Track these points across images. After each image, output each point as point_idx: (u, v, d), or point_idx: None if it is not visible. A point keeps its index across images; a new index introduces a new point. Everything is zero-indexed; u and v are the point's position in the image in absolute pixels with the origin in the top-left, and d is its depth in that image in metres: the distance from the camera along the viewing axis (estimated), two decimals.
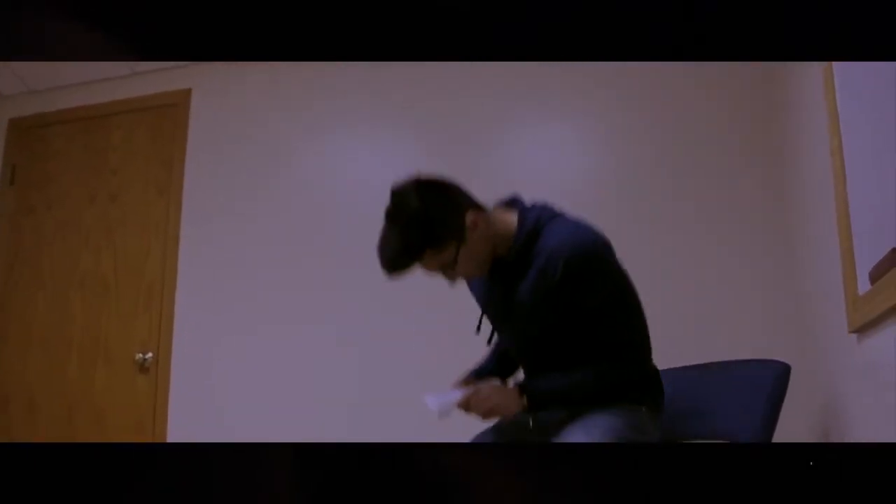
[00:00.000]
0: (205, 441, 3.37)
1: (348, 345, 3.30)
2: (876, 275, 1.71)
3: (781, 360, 2.18)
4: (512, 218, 1.95)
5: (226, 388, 3.41)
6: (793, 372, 2.16)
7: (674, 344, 2.77)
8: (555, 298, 1.88)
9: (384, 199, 3.30)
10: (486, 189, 3.19)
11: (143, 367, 3.55)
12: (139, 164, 3.78)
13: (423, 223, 1.83)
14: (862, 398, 1.90)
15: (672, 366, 2.49)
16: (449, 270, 1.91)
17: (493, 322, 2.12)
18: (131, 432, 3.52)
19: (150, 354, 3.54)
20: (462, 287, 2.19)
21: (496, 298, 2.03)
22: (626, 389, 1.95)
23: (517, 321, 2.00)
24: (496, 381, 2.06)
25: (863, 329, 1.87)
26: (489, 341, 2.20)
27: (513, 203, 2.01)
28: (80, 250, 3.75)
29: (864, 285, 1.83)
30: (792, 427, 2.64)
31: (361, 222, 3.36)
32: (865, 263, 1.81)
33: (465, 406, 1.91)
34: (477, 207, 1.92)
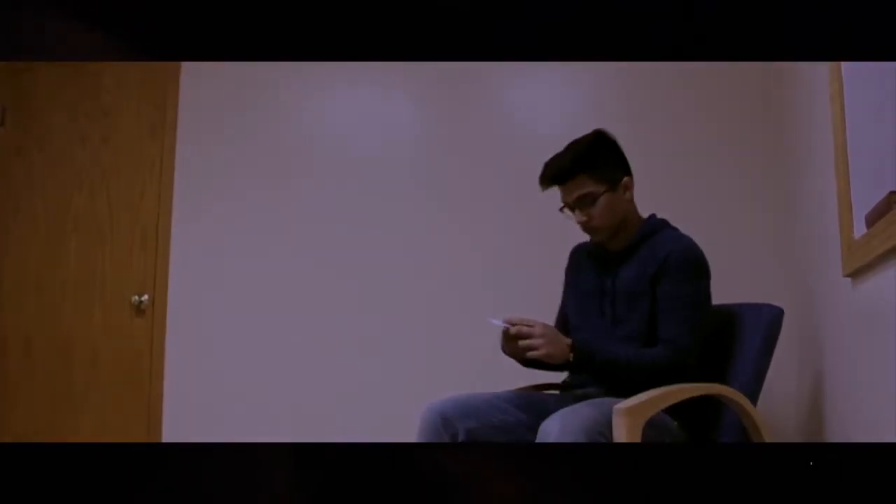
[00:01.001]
0: (201, 391, 3.40)
1: (349, 282, 3.31)
2: (872, 219, 1.71)
3: (775, 304, 2.20)
4: (640, 216, 2.25)
5: (223, 329, 3.43)
6: (786, 316, 2.18)
7: None
8: (652, 284, 2.08)
9: (376, 136, 3.30)
10: (479, 134, 3.20)
11: (139, 309, 3.56)
12: (131, 105, 3.73)
13: (593, 151, 2.14)
14: (855, 342, 1.92)
15: None
16: (586, 206, 2.12)
17: (583, 308, 2.24)
18: (128, 375, 3.55)
19: (146, 296, 3.55)
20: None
21: (596, 283, 2.22)
22: (675, 379, 1.97)
23: (606, 306, 2.16)
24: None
25: (857, 273, 1.88)
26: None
27: (648, 216, 2.28)
28: (73, 192, 3.73)
29: (860, 229, 1.83)
30: (785, 371, 2.68)
31: (358, 162, 3.35)
32: (862, 207, 1.81)
33: (517, 333, 1.98)
34: (632, 178, 2.21)
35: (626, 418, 1.76)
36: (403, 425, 2.87)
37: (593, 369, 2.01)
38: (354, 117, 3.39)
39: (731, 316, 2.26)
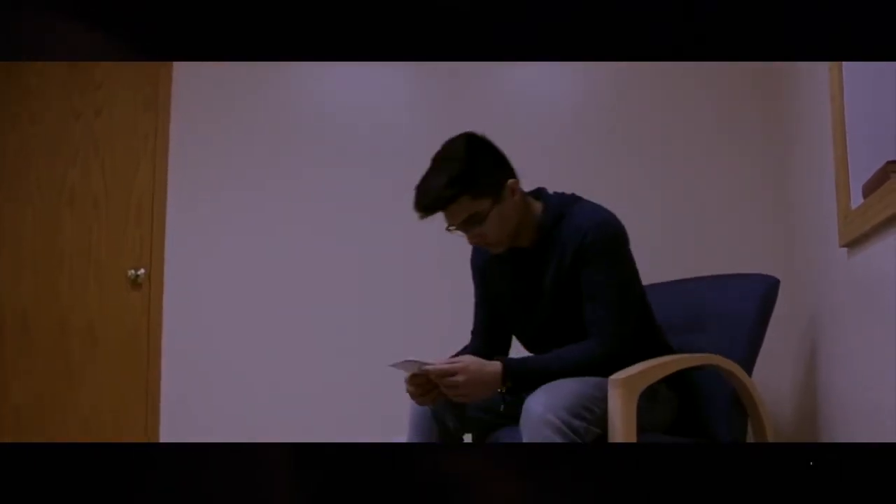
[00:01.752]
0: (198, 363, 3.41)
1: (346, 257, 3.31)
2: (869, 189, 1.71)
3: (771, 274, 2.20)
4: (537, 205, 2.03)
5: (220, 303, 3.43)
6: (782, 286, 2.19)
7: (665, 258, 2.80)
8: (574, 272, 1.95)
9: (375, 110, 3.28)
10: (476, 111, 3.18)
11: (135, 283, 3.56)
12: (125, 78, 3.70)
13: (468, 168, 1.89)
14: (851, 312, 1.93)
15: (663, 280, 2.51)
16: (474, 226, 1.94)
17: (512, 314, 2.13)
18: (125, 349, 3.56)
19: (142, 270, 3.55)
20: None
21: (520, 289, 2.07)
22: (614, 368, 1.86)
23: (541, 307, 2.03)
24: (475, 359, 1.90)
25: (853, 243, 1.88)
26: (475, 331, 2.24)
27: (537, 193, 2.08)
28: (67, 166, 3.71)
29: (856, 200, 1.83)
30: (780, 341, 2.69)
31: (357, 135, 3.34)
32: (859, 178, 1.81)
33: (435, 379, 1.84)
34: (517, 179, 1.99)
35: (621, 389, 1.77)
36: (407, 332, 2.89)
37: (532, 386, 1.84)
38: (354, 94, 3.37)
39: (726, 286, 2.26)
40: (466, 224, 1.94)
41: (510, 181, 1.96)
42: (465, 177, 1.88)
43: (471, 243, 2.02)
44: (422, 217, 1.93)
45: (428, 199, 1.89)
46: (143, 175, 3.62)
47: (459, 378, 1.80)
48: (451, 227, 1.98)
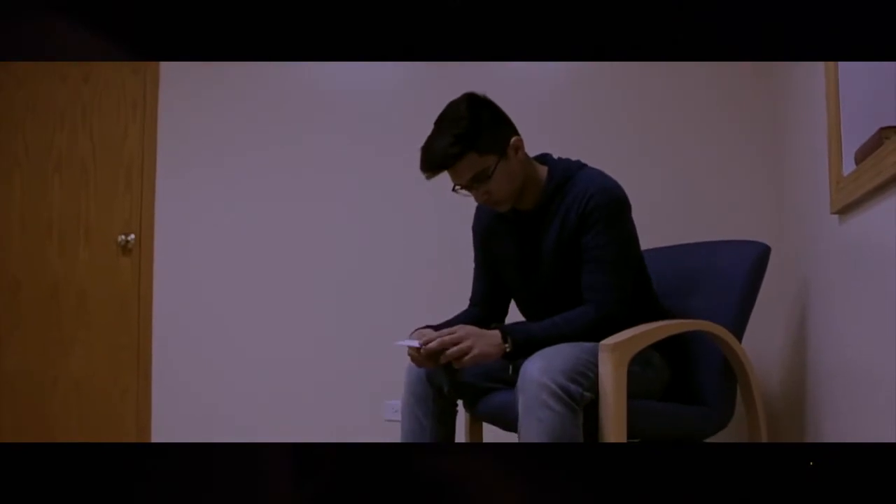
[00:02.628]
0: (189, 328, 3.41)
1: (337, 221, 3.30)
2: (861, 155, 1.70)
3: (761, 241, 2.20)
4: (542, 169, 2.06)
5: (210, 268, 3.43)
6: (773, 252, 2.19)
7: (657, 224, 2.80)
8: (576, 237, 1.97)
9: (368, 79, 3.25)
10: (469, 74, 3.16)
11: (125, 248, 3.54)
12: None
13: (472, 125, 1.91)
14: (841, 279, 1.94)
15: (655, 245, 2.52)
16: (479, 184, 1.96)
17: (513, 277, 2.15)
18: (116, 314, 3.55)
19: (132, 236, 3.53)
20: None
21: (522, 251, 2.09)
22: (611, 334, 1.87)
23: (541, 270, 2.05)
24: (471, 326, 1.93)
25: (845, 210, 1.88)
26: (474, 299, 2.25)
27: (542, 158, 2.11)
28: (55, 131, 3.68)
29: (849, 166, 1.83)
30: (770, 307, 2.71)
31: (349, 103, 3.31)
32: (852, 145, 1.80)
33: (441, 348, 1.85)
34: (520, 137, 2.02)
35: (612, 354, 1.78)
36: (398, 304, 2.89)
37: (531, 352, 1.85)
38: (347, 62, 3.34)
39: (717, 252, 2.27)
40: (473, 182, 1.96)
41: (514, 138, 1.99)
42: (469, 134, 1.91)
43: (478, 201, 2.03)
44: (429, 177, 1.97)
45: (435, 158, 1.92)
46: (132, 140, 3.59)
47: (468, 343, 1.83)
48: (457, 188, 2.01)
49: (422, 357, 1.90)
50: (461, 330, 1.87)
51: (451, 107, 1.98)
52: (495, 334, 1.87)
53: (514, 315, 2.23)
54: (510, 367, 2.00)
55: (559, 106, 3.06)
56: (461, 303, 2.27)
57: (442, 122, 1.97)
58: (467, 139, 1.90)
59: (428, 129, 1.98)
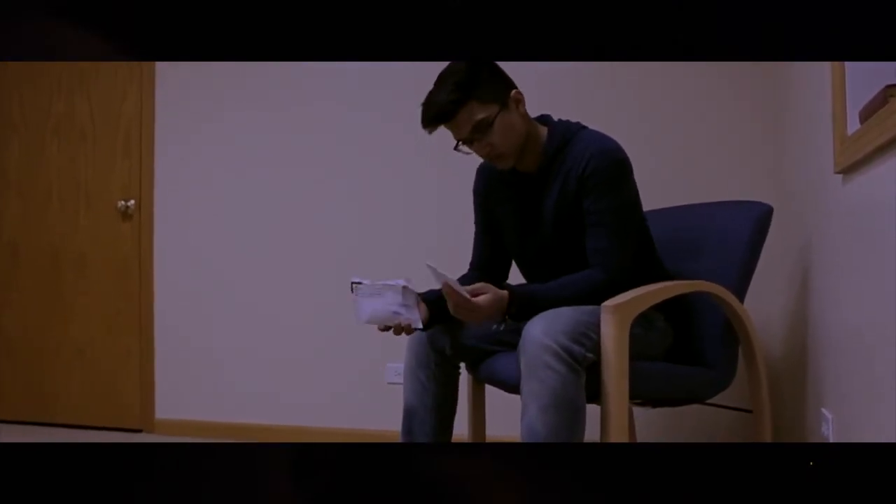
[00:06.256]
0: (190, 292, 3.41)
1: (335, 185, 3.29)
2: (866, 114, 1.69)
3: (765, 201, 2.19)
4: (542, 129, 2.05)
5: (210, 232, 3.42)
6: (776, 213, 2.18)
7: (660, 185, 2.79)
8: (577, 199, 1.95)
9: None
10: None
11: (125, 214, 3.53)
12: None
13: (472, 74, 1.91)
14: (845, 239, 1.93)
15: (658, 206, 2.51)
16: (481, 136, 1.95)
17: (513, 240, 2.14)
18: (117, 280, 3.55)
19: (132, 201, 3.52)
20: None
21: (522, 213, 2.08)
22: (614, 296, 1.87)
23: (542, 232, 2.04)
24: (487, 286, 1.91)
25: (849, 170, 1.86)
26: (474, 263, 2.25)
27: (543, 119, 2.09)
28: (52, 95, 3.65)
29: (853, 125, 1.81)
30: (772, 268, 2.70)
31: (350, 67, 3.28)
32: (856, 103, 1.78)
33: (452, 302, 1.84)
34: (520, 91, 2.01)
35: (614, 315, 1.78)
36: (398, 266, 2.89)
37: (535, 313, 1.84)
38: None
39: (719, 213, 2.26)
40: (474, 132, 1.94)
41: (514, 91, 1.98)
42: (470, 82, 1.91)
43: (480, 155, 2.02)
44: (430, 131, 1.96)
45: (436, 109, 1.92)
46: (130, 105, 3.56)
47: (481, 298, 1.83)
48: (458, 146, 2.00)
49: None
50: (484, 287, 1.85)
51: (451, 64, 1.98)
52: (504, 297, 1.86)
53: (514, 279, 2.23)
54: (500, 325, 2.01)
55: (555, 68, 3.03)
56: (461, 267, 2.27)
57: (442, 76, 1.96)
58: (468, 86, 1.91)
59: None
